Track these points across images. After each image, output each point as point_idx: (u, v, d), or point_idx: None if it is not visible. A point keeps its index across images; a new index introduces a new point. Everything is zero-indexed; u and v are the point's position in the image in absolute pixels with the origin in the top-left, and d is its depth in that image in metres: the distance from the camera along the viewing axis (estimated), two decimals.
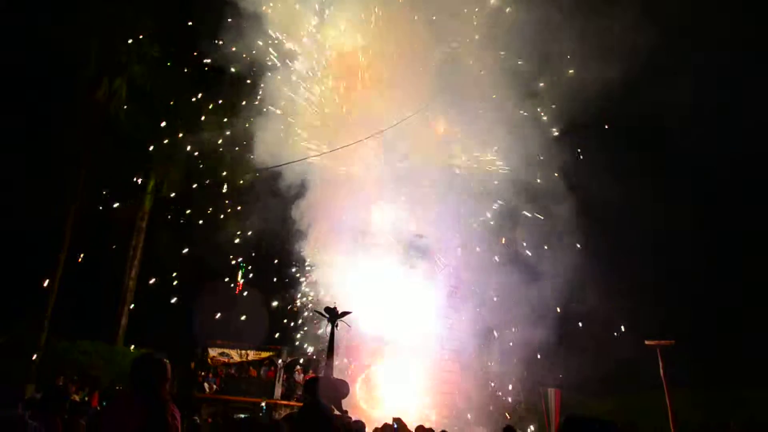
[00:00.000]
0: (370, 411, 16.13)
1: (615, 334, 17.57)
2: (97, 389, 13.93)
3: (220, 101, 18.42)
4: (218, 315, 18.16)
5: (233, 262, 19.31)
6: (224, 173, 18.07)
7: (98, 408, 11.14)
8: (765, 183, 21.03)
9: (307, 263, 18.07)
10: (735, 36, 20.07)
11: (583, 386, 17.96)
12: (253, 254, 18.66)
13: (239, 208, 17.98)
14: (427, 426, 8.75)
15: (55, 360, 15.86)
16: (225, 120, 17.93)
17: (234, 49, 17.35)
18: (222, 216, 18.07)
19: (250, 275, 19.31)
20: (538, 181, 18.65)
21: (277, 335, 18.63)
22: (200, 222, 18.33)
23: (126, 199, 18.21)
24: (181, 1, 18.26)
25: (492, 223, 18.38)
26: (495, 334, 17.54)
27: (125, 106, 18.19)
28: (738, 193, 21.55)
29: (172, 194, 18.31)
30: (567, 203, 18.03)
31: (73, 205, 17.72)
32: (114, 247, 18.63)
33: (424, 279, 17.91)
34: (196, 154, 17.63)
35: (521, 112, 18.76)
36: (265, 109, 17.61)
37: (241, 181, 18.00)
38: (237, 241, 17.98)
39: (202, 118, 17.85)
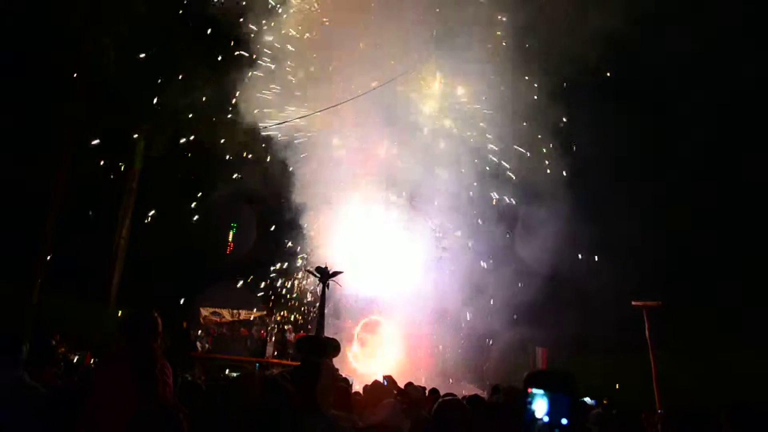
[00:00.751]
0: (360, 369, 16.41)
1: (604, 294, 17.75)
2: (89, 349, 14.01)
3: (210, 56, 18.03)
4: (210, 275, 18.24)
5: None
6: (215, 129, 17.85)
7: (90, 366, 11.23)
8: None
9: (300, 221, 18.07)
10: None
11: (570, 345, 18.27)
12: (244, 214, 18.59)
13: (229, 167, 17.83)
14: (416, 384, 8.91)
15: (47, 319, 15.90)
16: (211, 77, 17.62)
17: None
18: (212, 176, 17.98)
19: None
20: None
21: (269, 295, 18.75)
22: (191, 180, 18.23)
23: (117, 158, 18.03)
24: None
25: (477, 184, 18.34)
26: (483, 293, 17.76)
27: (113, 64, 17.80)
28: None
29: (162, 153, 18.15)
30: (559, 162, 18.08)
31: (63, 164, 17.55)
32: (105, 206, 18.53)
33: (415, 237, 17.98)
34: (186, 113, 17.40)
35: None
36: (252, 66, 17.31)
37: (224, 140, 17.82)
38: (228, 201, 17.95)
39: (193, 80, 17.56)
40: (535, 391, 1.94)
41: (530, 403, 1.94)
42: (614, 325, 17.11)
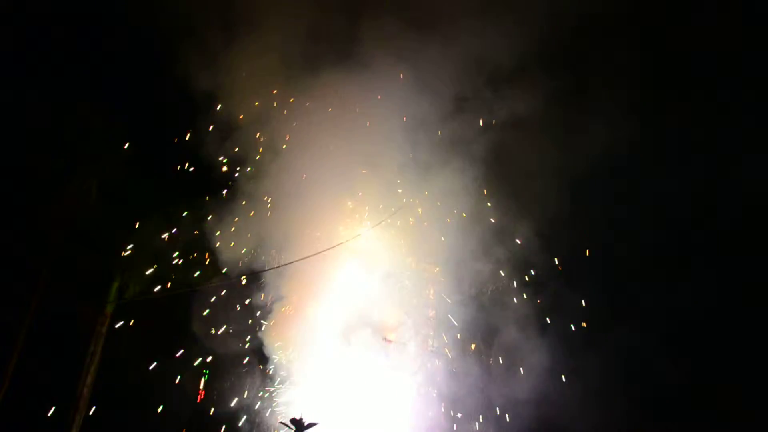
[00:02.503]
0: None
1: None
2: None
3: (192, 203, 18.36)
4: (177, 424, 17.35)
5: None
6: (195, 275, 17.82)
7: None
8: None
9: (272, 367, 17.57)
10: None
11: None
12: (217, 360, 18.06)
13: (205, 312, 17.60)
14: None
15: None
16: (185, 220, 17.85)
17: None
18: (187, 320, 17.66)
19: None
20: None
21: None
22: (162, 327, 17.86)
23: (87, 302, 17.67)
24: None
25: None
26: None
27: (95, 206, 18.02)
28: None
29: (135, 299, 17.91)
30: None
31: (30, 306, 17.14)
32: (70, 351, 17.85)
33: (393, 377, 17.47)
34: (164, 258, 17.42)
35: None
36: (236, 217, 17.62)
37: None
38: (201, 345, 17.50)
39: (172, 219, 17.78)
40: None
41: None
42: None
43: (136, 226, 17.58)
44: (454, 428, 17.56)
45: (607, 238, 21.80)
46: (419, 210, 18.15)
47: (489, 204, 18.36)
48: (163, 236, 17.41)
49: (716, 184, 22.13)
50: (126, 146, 18.37)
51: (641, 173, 22.84)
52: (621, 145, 19.48)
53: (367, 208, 17.75)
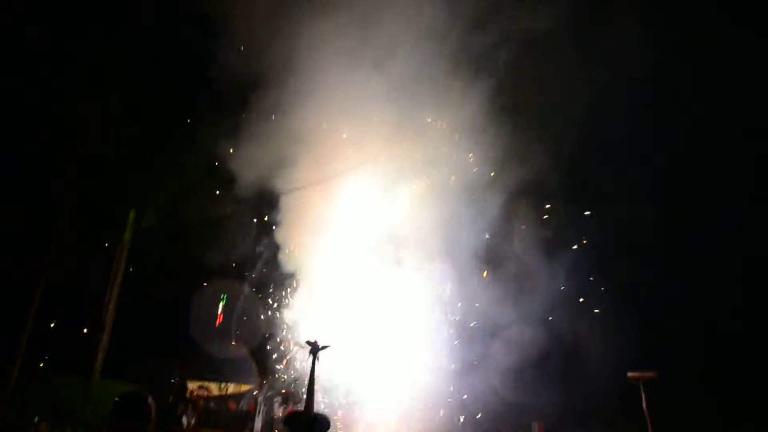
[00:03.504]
0: None
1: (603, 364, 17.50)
2: (72, 427, 13.49)
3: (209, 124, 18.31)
4: (198, 347, 17.89)
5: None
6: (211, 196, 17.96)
7: None
8: None
9: (288, 291, 17.91)
10: None
11: (567, 418, 17.84)
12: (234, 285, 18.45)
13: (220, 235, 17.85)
14: None
15: (28, 395, 15.38)
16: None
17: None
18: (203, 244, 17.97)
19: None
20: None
21: (257, 368, 18.32)
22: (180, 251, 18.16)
23: (107, 227, 17.97)
24: None
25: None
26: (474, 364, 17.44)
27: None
28: None
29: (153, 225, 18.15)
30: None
31: (53, 231, 17.49)
32: (93, 274, 18.31)
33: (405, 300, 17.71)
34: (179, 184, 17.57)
35: None
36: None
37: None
38: (218, 271, 17.88)
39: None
40: None
41: None
42: (615, 397, 16.79)
43: (152, 156, 17.66)
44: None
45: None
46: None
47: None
48: (178, 165, 17.49)
49: None
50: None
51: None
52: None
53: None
